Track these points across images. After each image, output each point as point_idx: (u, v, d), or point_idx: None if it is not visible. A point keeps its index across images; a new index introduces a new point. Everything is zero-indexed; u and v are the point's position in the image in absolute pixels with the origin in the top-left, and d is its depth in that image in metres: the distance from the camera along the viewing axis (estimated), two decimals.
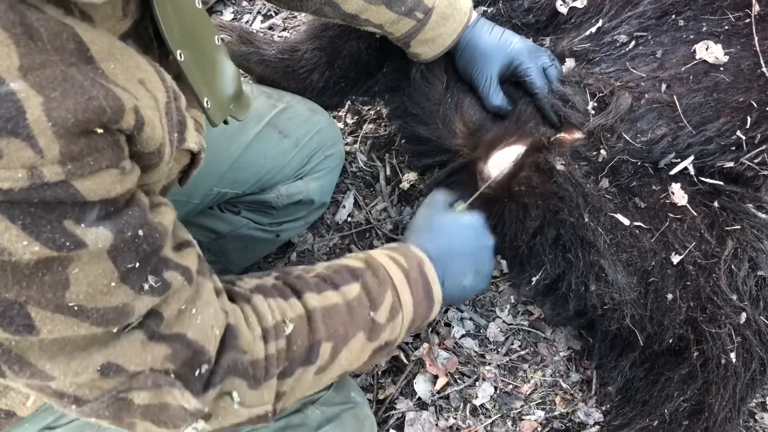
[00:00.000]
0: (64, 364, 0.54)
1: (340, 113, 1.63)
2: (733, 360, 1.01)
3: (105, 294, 0.53)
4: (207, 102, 0.73)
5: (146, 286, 0.56)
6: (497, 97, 1.10)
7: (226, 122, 0.80)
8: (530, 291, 1.23)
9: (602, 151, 1.02)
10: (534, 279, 1.19)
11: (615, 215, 1.02)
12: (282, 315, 0.72)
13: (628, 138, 1.00)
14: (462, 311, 1.36)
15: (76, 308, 0.51)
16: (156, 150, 0.56)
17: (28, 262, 0.48)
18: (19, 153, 0.43)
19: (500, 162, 1.13)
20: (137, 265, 0.55)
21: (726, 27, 0.99)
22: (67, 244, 0.48)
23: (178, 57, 0.65)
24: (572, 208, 1.05)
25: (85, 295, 0.52)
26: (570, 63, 1.09)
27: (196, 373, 0.62)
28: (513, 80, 1.11)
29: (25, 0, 0.45)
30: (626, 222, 1.02)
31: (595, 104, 1.03)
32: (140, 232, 0.55)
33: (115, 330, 0.55)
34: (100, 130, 0.48)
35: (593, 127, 1.02)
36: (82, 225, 0.49)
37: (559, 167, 1.04)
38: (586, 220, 1.04)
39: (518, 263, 1.27)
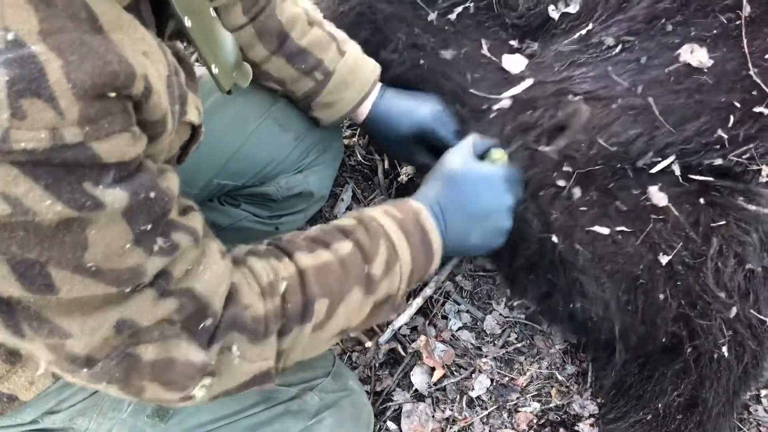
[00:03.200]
0: (81, 321, 0.55)
1: None
2: (726, 354, 1.02)
3: (120, 255, 0.55)
4: (214, 68, 0.75)
5: (156, 248, 0.58)
6: (421, 157, 1.12)
7: (230, 92, 0.83)
8: (521, 306, 1.24)
9: (567, 168, 1.02)
10: (518, 302, 1.21)
11: (592, 228, 1.02)
12: (275, 274, 0.73)
13: (602, 142, 1.00)
14: (459, 304, 1.38)
15: (93, 269, 0.53)
16: (161, 119, 0.58)
17: (50, 223, 0.49)
18: (42, 114, 0.45)
19: None
20: (149, 227, 0.57)
21: (715, 31, 0.99)
22: (87, 204, 0.50)
23: (186, 23, 0.66)
24: (532, 238, 1.05)
25: (103, 256, 0.53)
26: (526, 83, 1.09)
27: (201, 326, 0.64)
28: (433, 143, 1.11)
29: None
30: (605, 231, 1.01)
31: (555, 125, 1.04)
32: (152, 195, 0.56)
33: (128, 290, 0.57)
34: (113, 94, 0.49)
35: (558, 150, 1.01)
36: (100, 186, 0.51)
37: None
38: (556, 240, 1.04)
39: (504, 283, 1.28)
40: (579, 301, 1.07)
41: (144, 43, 0.56)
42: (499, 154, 1.01)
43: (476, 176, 0.95)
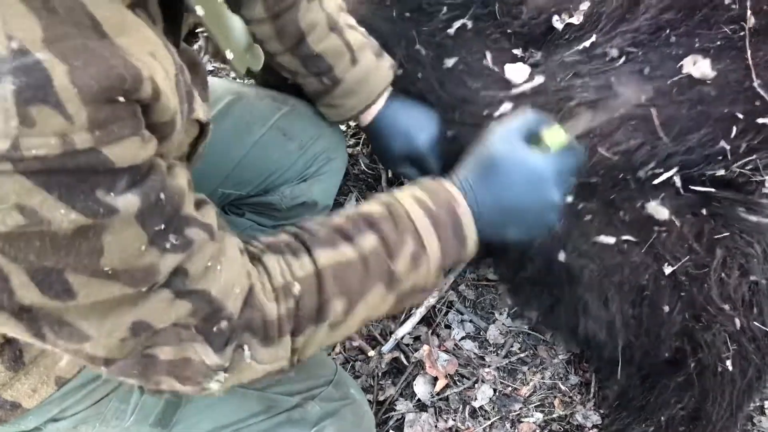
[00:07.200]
0: (98, 323, 0.56)
1: None
2: (730, 368, 1.01)
3: (137, 258, 0.55)
4: (229, 53, 0.75)
5: (168, 245, 0.58)
6: (409, 173, 1.16)
7: (248, 73, 0.83)
8: (524, 316, 1.23)
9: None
10: (524, 313, 1.20)
11: (598, 239, 1.01)
12: (291, 275, 0.71)
13: (602, 152, 0.99)
14: (462, 313, 1.38)
15: (110, 272, 0.54)
16: (170, 120, 0.58)
17: (66, 232, 0.49)
18: (50, 120, 0.45)
19: None
20: (163, 226, 0.57)
21: (719, 42, 0.99)
22: (101, 211, 0.50)
23: (199, 11, 0.66)
24: (539, 251, 1.05)
25: (119, 260, 0.54)
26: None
27: (215, 329, 0.64)
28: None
29: None
30: (611, 241, 1.00)
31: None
32: (162, 195, 0.56)
33: (144, 289, 0.57)
34: (121, 99, 0.49)
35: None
36: (112, 194, 0.51)
37: None
38: (562, 259, 1.03)
39: (507, 294, 1.28)
40: (583, 319, 1.06)
41: (149, 43, 0.56)
42: (553, 137, 0.84)
43: (523, 164, 0.82)
